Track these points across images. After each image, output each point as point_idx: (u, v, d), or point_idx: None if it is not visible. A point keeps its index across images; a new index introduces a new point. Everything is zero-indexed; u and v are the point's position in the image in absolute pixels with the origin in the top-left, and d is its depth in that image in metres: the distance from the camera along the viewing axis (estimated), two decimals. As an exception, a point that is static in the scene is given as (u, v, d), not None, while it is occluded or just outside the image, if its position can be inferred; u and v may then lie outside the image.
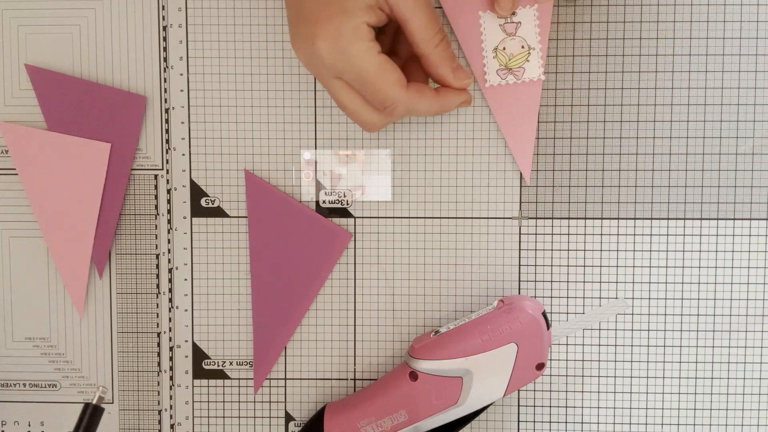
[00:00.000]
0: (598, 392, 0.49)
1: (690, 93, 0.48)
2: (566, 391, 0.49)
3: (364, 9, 0.41)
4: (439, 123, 0.48)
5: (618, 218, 0.48)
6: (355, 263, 0.49)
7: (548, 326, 0.44)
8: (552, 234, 0.49)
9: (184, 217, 0.49)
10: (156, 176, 0.49)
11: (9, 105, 0.49)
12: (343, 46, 0.41)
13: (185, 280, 0.50)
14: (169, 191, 0.49)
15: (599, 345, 0.49)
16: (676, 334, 0.49)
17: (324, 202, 0.49)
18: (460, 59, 0.48)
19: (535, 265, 0.49)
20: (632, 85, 0.48)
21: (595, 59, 0.48)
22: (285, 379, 0.50)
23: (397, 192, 0.49)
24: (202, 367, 0.50)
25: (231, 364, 0.50)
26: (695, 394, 0.49)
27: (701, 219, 0.48)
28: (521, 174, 0.48)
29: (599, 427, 0.49)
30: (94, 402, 0.44)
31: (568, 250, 0.48)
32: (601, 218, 0.48)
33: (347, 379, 0.50)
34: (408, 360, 0.45)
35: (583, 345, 0.49)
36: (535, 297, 0.49)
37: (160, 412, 0.50)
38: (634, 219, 0.48)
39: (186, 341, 0.50)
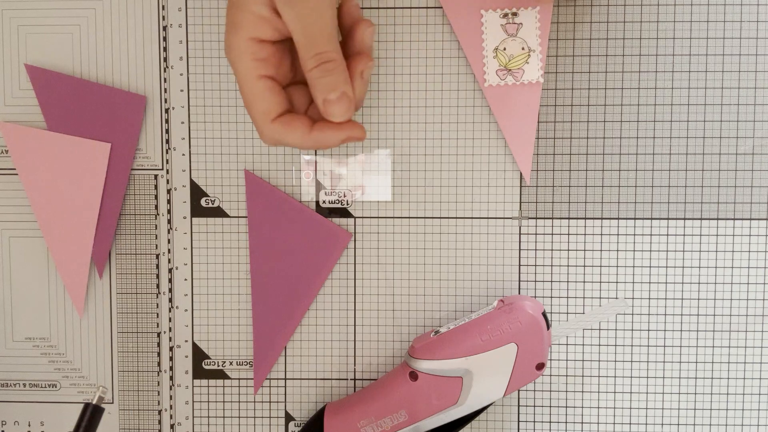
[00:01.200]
0: (598, 392, 0.49)
1: (690, 93, 0.48)
2: (566, 391, 0.49)
3: (253, 22, 0.39)
4: (439, 123, 0.48)
5: (618, 218, 0.48)
6: (355, 263, 0.49)
7: (548, 326, 0.44)
8: (552, 234, 0.49)
9: (184, 217, 0.49)
10: (156, 176, 0.49)
11: (9, 105, 0.49)
12: (231, 60, 0.40)
13: (185, 280, 0.50)
14: (169, 191, 0.49)
15: (599, 345, 0.49)
16: (676, 334, 0.49)
17: (324, 202, 0.49)
18: (459, 59, 0.48)
19: (535, 265, 0.49)
20: (632, 85, 0.48)
21: (595, 59, 0.48)
22: (285, 379, 0.50)
23: (397, 192, 0.49)
24: (202, 367, 0.50)
25: (231, 364, 0.50)
26: (695, 394, 0.49)
27: (701, 219, 0.48)
28: (521, 174, 0.48)
29: (599, 427, 0.49)
30: (94, 402, 0.44)
31: (568, 250, 0.49)
32: (601, 218, 0.48)
33: (347, 379, 0.50)
34: (408, 360, 0.45)
35: (583, 345, 0.49)
36: (535, 297, 0.49)
37: (160, 412, 0.50)
38: (634, 219, 0.48)
39: (186, 341, 0.50)
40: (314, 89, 0.40)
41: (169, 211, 0.49)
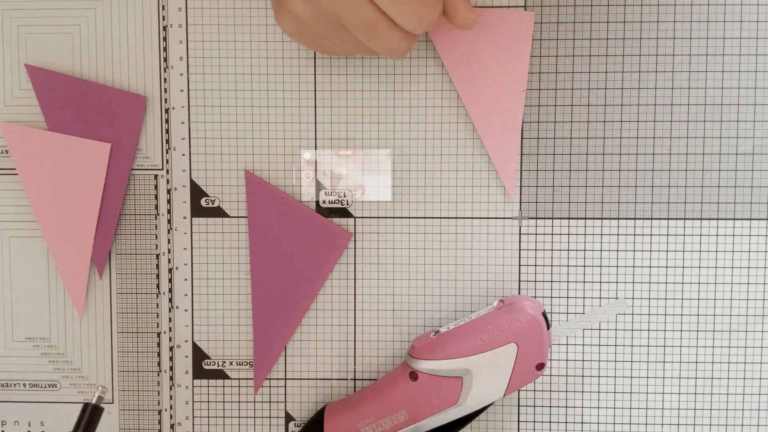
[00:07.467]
0: (598, 392, 0.49)
1: (690, 93, 0.48)
2: (566, 391, 0.49)
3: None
4: (439, 123, 0.48)
5: (618, 218, 0.48)
6: (355, 263, 0.49)
7: (548, 326, 0.44)
8: (552, 234, 0.49)
9: (184, 217, 0.49)
10: (156, 176, 0.49)
11: (9, 105, 0.49)
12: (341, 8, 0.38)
13: (185, 280, 0.50)
14: (169, 191, 0.49)
15: (599, 345, 0.49)
16: (676, 334, 0.49)
17: (324, 202, 0.49)
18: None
19: (535, 265, 0.49)
20: (632, 85, 0.48)
21: (594, 59, 0.48)
22: (285, 379, 0.50)
23: (397, 192, 0.49)
24: (202, 367, 0.50)
25: (231, 364, 0.50)
26: (695, 394, 0.49)
27: (701, 219, 0.48)
28: (521, 174, 0.48)
29: (599, 427, 0.49)
30: (94, 402, 0.44)
31: (568, 250, 0.49)
32: (601, 218, 0.48)
33: (347, 379, 0.50)
34: (408, 360, 0.45)
35: (583, 345, 0.49)
36: (535, 297, 0.49)
37: (160, 412, 0.50)
38: (634, 219, 0.48)
39: (186, 341, 0.50)
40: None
41: (169, 211, 0.49)
